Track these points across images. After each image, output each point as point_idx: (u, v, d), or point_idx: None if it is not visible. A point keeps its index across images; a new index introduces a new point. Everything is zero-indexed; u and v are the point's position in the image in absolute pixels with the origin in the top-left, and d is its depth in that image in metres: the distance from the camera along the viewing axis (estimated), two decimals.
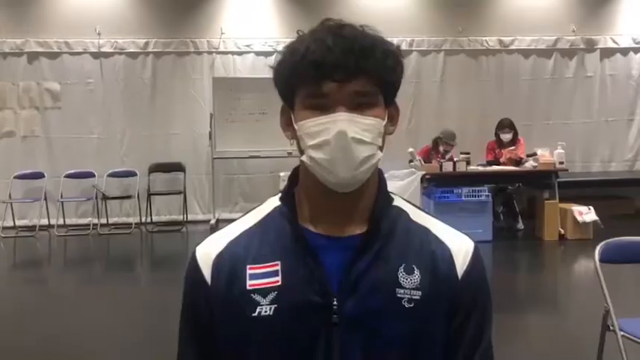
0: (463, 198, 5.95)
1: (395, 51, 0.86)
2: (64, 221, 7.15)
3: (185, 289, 0.94)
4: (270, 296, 0.85)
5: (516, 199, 6.80)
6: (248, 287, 0.86)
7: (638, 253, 2.62)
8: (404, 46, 7.53)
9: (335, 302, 0.84)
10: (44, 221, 7.09)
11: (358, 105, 0.83)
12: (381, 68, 0.83)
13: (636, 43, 7.99)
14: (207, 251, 0.92)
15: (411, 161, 6.35)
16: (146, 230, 7.07)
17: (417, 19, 7.71)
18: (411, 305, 0.85)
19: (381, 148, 0.86)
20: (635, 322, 2.57)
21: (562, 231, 6.08)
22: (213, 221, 7.11)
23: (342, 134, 0.82)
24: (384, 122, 0.87)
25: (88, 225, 7.01)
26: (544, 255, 5.98)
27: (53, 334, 3.72)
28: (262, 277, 0.87)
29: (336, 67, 0.81)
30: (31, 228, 7.03)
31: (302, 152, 0.87)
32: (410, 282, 0.86)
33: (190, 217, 7.40)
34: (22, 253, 6.52)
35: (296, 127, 0.86)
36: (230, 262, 0.89)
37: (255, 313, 0.85)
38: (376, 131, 0.84)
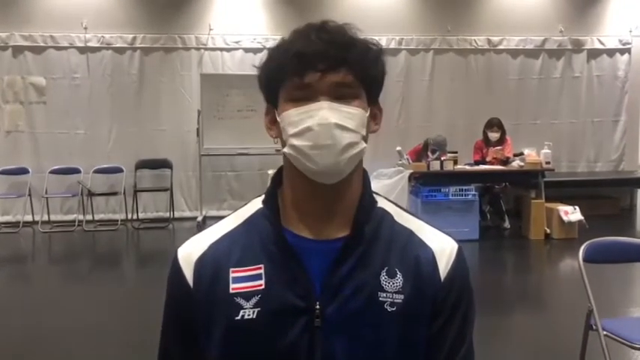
0: (450, 197, 5.97)
1: (376, 48, 0.87)
2: (49, 217, 7.08)
3: (168, 291, 0.94)
4: (254, 300, 0.85)
5: (503, 199, 6.84)
6: (231, 291, 0.86)
7: (621, 253, 2.65)
8: (393, 45, 7.54)
9: (317, 306, 0.84)
10: (28, 217, 7.02)
11: (340, 96, 0.84)
12: (362, 61, 0.85)
13: (623, 45, 8.07)
14: (189, 253, 0.91)
15: (399, 160, 6.37)
16: (132, 227, 7.02)
17: (406, 17, 7.71)
18: (394, 309, 0.85)
19: (365, 139, 0.86)
20: (617, 322, 2.60)
21: (548, 230, 6.13)
22: (200, 218, 7.07)
23: (324, 120, 0.82)
24: (367, 114, 0.87)
25: (73, 221, 6.94)
26: (530, 254, 6.02)
27: (37, 331, 3.68)
28: (245, 280, 0.86)
29: (318, 57, 0.82)
30: (15, 224, 6.94)
31: (284, 145, 0.87)
32: (392, 285, 0.86)
33: (177, 214, 7.35)
34: (5, 249, 6.43)
35: (279, 119, 0.86)
36: (212, 264, 0.89)
37: (239, 317, 0.84)
38: (359, 120, 0.85)
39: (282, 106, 0.86)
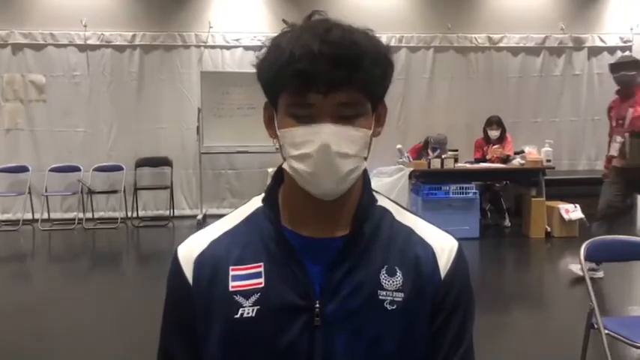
0: (451, 195, 5.96)
1: (385, 54, 0.83)
2: (49, 215, 7.07)
3: (168, 289, 0.93)
4: (253, 298, 0.84)
5: (503, 197, 6.84)
6: (230, 289, 0.86)
7: (622, 252, 2.64)
8: (393, 42, 7.52)
9: (317, 304, 0.83)
10: (28, 215, 7.01)
11: (344, 116, 0.80)
12: (369, 79, 0.80)
13: (624, 42, 8.05)
14: (189, 251, 0.91)
15: (400, 158, 6.36)
16: (132, 225, 7.02)
17: (407, 15, 7.70)
18: (394, 307, 0.84)
19: (366, 158, 0.84)
20: (619, 321, 2.59)
21: (548, 228, 6.12)
22: (200, 217, 7.07)
23: (325, 148, 0.79)
24: (371, 131, 0.84)
25: (73, 219, 6.93)
26: (530, 252, 6.01)
27: (37, 329, 3.68)
28: (245, 278, 0.86)
29: (322, 79, 0.77)
30: (15, 222, 6.94)
31: (284, 157, 0.85)
32: (392, 284, 0.85)
33: (177, 213, 7.35)
34: (4, 247, 6.43)
35: (278, 133, 0.84)
36: (212, 262, 0.88)
37: (238, 315, 0.84)
38: (362, 142, 0.82)
39: (282, 119, 0.82)
